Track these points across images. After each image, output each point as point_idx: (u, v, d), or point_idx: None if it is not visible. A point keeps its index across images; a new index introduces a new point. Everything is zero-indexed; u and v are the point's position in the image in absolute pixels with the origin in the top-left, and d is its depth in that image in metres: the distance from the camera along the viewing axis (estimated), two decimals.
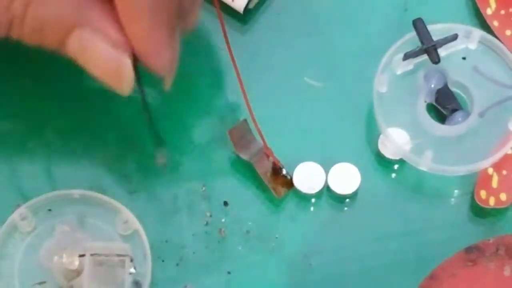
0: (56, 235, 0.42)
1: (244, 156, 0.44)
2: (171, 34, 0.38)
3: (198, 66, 0.47)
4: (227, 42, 0.44)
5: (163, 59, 0.38)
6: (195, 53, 0.47)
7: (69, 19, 0.35)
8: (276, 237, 0.44)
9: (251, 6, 0.47)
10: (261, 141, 0.44)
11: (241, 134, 0.44)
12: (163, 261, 0.43)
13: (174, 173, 0.45)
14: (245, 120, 0.44)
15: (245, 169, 0.45)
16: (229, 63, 0.44)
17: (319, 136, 0.46)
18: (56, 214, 0.43)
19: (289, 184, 0.44)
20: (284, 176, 0.44)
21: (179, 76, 0.45)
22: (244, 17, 0.48)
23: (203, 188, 0.45)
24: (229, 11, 0.47)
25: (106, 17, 0.35)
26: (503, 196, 0.44)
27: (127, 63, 0.37)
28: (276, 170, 0.44)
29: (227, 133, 0.44)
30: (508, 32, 0.47)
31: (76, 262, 0.41)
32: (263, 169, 0.44)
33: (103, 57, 0.37)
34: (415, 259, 0.44)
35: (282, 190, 0.44)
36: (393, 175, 0.45)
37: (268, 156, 0.44)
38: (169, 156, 0.45)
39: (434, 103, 0.45)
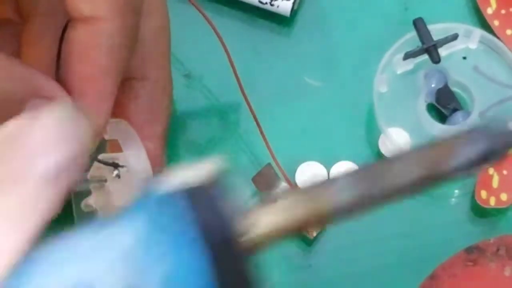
0: None
1: None
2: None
3: (198, 66, 0.47)
4: (224, 44, 0.44)
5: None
6: (196, 53, 0.47)
7: (21, 92, 0.33)
8: None
9: (295, 7, 0.48)
10: (286, 183, 0.43)
11: (266, 180, 0.43)
12: None
13: None
14: (269, 164, 0.44)
15: None
16: (228, 63, 0.44)
17: (320, 136, 0.46)
18: None
19: None
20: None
21: (179, 77, 0.45)
22: (290, 20, 0.48)
23: None
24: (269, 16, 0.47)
25: (54, 84, 0.34)
26: (503, 196, 0.44)
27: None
28: None
29: (251, 182, 0.43)
30: (508, 32, 0.47)
31: None
32: None
33: None
34: (416, 259, 0.44)
35: (314, 230, 0.43)
36: None
37: None
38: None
39: (434, 103, 0.45)
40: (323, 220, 0.26)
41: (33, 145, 0.25)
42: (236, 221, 0.24)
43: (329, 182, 0.26)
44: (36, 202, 0.24)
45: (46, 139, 0.25)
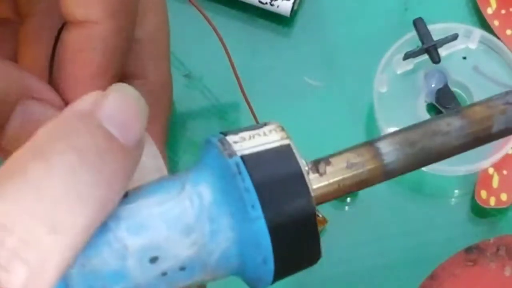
0: None
1: None
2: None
3: (198, 66, 0.47)
4: (224, 45, 0.44)
5: None
6: (196, 53, 0.47)
7: (13, 94, 0.32)
8: None
9: (296, 7, 0.48)
10: None
11: None
12: None
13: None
14: None
15: None
16: (229, 63, 0.44)
17: (320, 136, 0.46)
18: None
19: (321, 222, 0.44)
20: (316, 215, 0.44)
21: (179, 77, 0.45)
22: (290, 20, 0.48)
23: None
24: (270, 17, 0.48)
25: (45, 86, 0.34)
26: (503, 196, 0.44)
27: None
28: None
29: None
30: (508, 32, 0.47)
31: None
32: None
33: None
34: (415, 259, 0.44)
35: None
36: None
37: None
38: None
39: (434, 103, 0.45)
40: (370, 185, 0.26)
41: (112, 118, 0.25)
42: (299, 197, 0.24)
43: (374, 147, 0.26)
44: (117, 174, 0.24)
45: (123, 112, 0.26)
